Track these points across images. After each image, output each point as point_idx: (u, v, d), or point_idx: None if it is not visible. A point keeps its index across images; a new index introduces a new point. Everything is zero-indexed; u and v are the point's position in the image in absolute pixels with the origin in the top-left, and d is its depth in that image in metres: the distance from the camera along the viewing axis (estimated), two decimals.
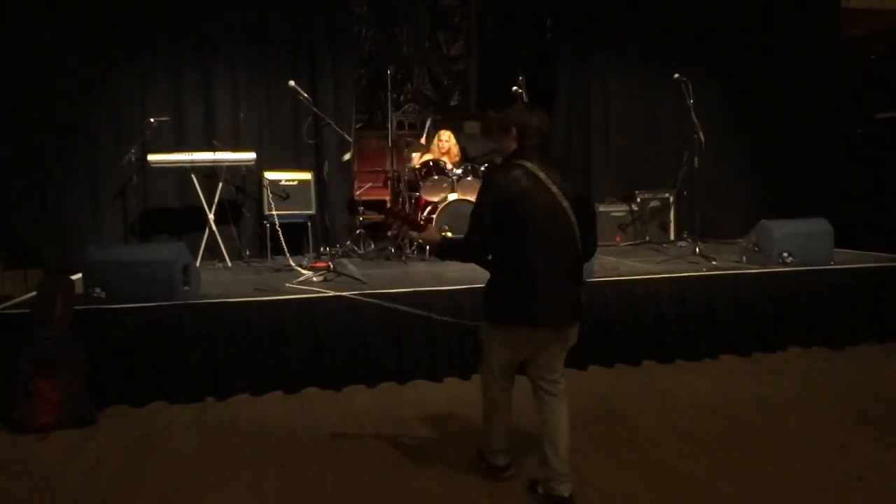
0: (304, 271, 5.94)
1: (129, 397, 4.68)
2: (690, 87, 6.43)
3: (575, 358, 4.56)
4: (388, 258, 6.81)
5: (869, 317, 5.89)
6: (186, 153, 6.55)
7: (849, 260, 6.30)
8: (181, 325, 4.73)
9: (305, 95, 6.20)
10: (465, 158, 7.75)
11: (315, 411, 4.54)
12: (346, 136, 7.01)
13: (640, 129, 8.35)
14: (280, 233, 6.53)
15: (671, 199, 8.01)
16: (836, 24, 8.52)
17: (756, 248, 6.14)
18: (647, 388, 4.92)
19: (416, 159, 7.35)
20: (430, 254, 6.60)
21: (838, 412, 4.37)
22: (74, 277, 4.83)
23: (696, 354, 5.52)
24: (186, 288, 5.00)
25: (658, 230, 8.00)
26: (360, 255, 6.99)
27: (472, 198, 6.73)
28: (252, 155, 6.69)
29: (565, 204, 3.01)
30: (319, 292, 5.05)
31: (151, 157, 6.49)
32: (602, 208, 7.65)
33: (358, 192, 7.67)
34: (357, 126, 8.39)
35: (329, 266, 5.67)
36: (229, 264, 6.60)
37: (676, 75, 6.49)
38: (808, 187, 8.24)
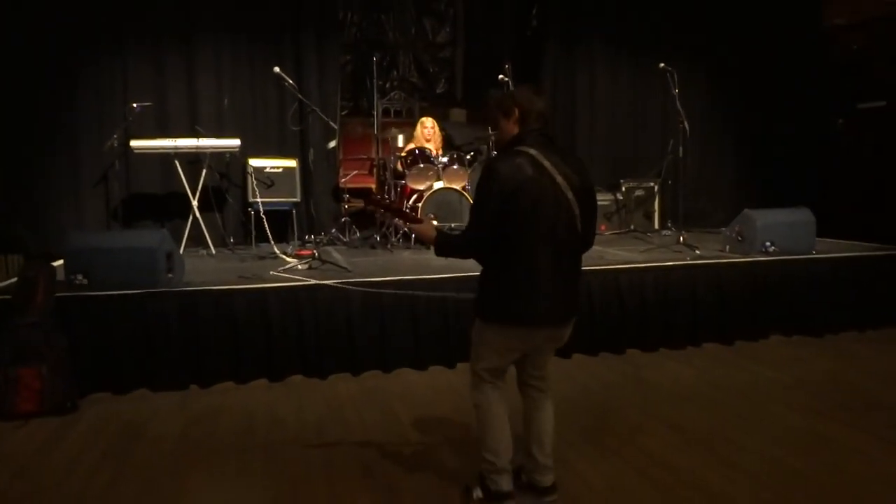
0: (288, 259, 5.90)
1: (111, 385, 4.64)
2: (675, 76, 6.43)
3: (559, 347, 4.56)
4: (373, 246, 6.80)
5: (850, 305, 5.95)
6: (170, 139, 6.49)
7: (830, 249, 6.35)
8: (164, 313, 4.69)
9: (290, 82, 6.15)
10: (450, 146, 7.73)
11: (300, 399, 4.53)
12: (331, 123, 6.96)
13: (626, 118, 8.37)
14: (265, 220, 6.50)
15: (656, 188, 8.03)
16: (819, 13, 8.55)
17: (739, 238, 6.16)
18: (631, 377, 4.93)
19: (402, 140, 7.35)
20: (416, 243, 6.57)
21: (819, 400, 4.40)
22: (56, 264, 4.78)
23: (680, 343, 5.56)
24: (170, 275, 4.95)
25: (643, 219, 8.02)
26: (345, 243, 6.97)
27: (458, 186, 6.81)
28: (236, 141, 6.64)
29: (570, 195, 2.80)
30: (304, 280, 5.02)
31: (134, 143, 6.42)
32: None
33: (343, 180, 7.63)
34: (342, 113, 8.34)
35: (314, 254, 5.64)
36: (213, 252, 6.55)
37: (662, 65, 6.49)
38: (792, 177, 8.30)
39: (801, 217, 6.21)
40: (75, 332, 4.49)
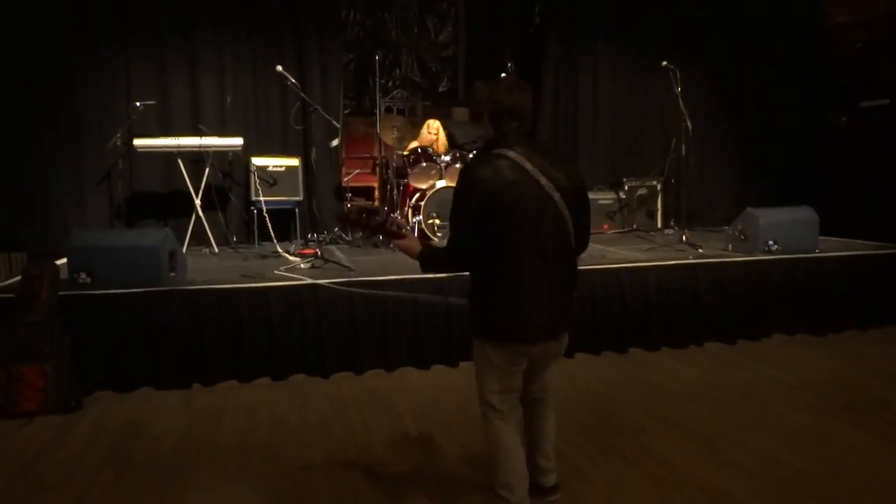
0: (291, 258, 5.90)
1: (115, 383, 4.64)
2: (678, 74, 6.41)
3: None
4: (375, 245, 6.79)
5: (852, 304, 5.93)
6: (173, 138, 6.49)
7: (833, 248, 6.33)
8: (167, 312, 4.69)
9: (293, 81, 6.14)
10: (453, 145, 7.72)
11: (302, 398, 4.53)
12: (334, 121, 6.95)
13: (628, 117, 8.35)
14: (267, 219, 6.50)
15: (659, 186, 8.02)
16: (821, 12, 8.52)
17: (742, 236, 6.15)
18: (634, 376, 4.93)
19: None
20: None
21: (822, 399, 4.39)
22: (59, 262, 4.78)
23: (682, 342, 5.55)
24: (173, 274, 4.96)
25: (645, 218, 8.01)
26: (347, 242, 6.97)
27: None
28: (239, 140, 6.63)
29: (556, 196, 2.62)
30: (307, 279, 5.02)
31: (137, 142, 6.42)
32: (590, 196, 7.62)
33: (346, 179, 7.62)
34: (345, 112, 8.33)
35: (317, 253, 5.64)
36: (216, 250, 6.55)
37: (664, 63, 6.47)
38: (794, 175, 8.27)
39: (803, 216, 6.19)
40: (79, 331, 4.50)
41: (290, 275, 5.18)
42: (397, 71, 10.23)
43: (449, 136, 7.58)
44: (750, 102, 8.44)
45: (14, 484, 3.42)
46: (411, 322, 5.03)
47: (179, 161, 6.47)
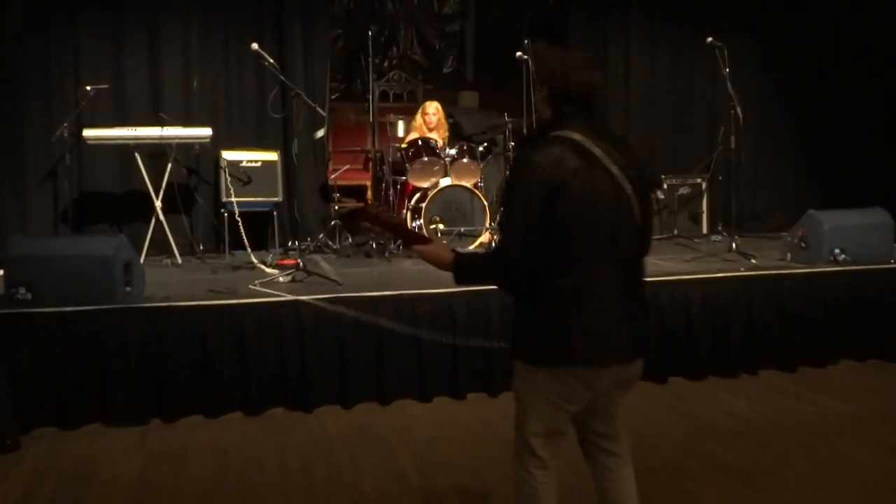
0: (268, 270, 5.92)
1: (58, 419, 4.63)
2: (726, 52, 6.41)
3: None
4: (368, 255, 6.80)
5: None
6: (129, 128, 6.52)
7: None
8: (122, 334, 4.69)
9: (271, 61, 6.16)
10: (459, 136, 7.74)
11: (281, 436, 4.51)
12: (319, 109, 6.96)
13: (667, 103, 8.36)
14: (240, 223, 6.51)
15: (704, 185, 8.02)
16: None
17: (803, 244, 6.14)
18: (674, 409, 4.91)
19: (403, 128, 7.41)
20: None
21: None
22: None
23: (732, 370, 5.53)
24: (128, 289, 4.97)
25: (688, 222, 8.01)
26: (335, 251, 6.98)
27: (469, 183, 6.81)
28: (207, 131, 6.66)
29: (628, 189, 2.49)
30: (286, 296, 5.02)
31: (87, 133, 6.45)
32: None
33: (333, 176, 7.64)
34: (332, 97, 8.37)
35: (298, 264, 5.64)
36: (179, 261, 6.56)
37: (710, 39, 6.47)
38: (864, 172, 8.26)
39: (876, 219, 6.18)
40: (16, 356, 4.49)
41: (267, 290, 5.18)
42: (394, 49, 10.28)
43: (454, 126, 7.60)
44: (812, 86, 8.43)
45: None
46: (411, 346, 5.01)
47: (137, 155, 6.50)
